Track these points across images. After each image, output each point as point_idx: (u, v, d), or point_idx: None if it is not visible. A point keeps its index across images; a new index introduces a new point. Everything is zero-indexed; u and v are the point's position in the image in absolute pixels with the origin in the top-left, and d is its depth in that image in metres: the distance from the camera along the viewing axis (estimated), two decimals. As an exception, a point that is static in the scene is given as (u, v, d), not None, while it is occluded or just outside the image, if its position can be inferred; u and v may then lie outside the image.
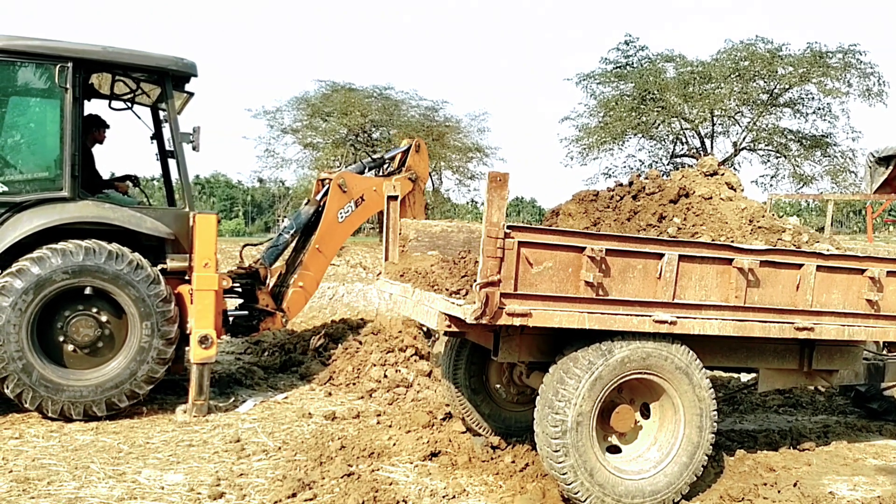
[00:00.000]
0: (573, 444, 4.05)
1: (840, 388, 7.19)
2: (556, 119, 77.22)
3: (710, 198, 4.95)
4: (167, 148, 7.03)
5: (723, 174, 5.21)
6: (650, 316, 4.12)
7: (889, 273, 4.81)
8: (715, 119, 27.64)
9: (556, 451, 4.06)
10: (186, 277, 6.20)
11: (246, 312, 7.10)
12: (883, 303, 4.84)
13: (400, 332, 7.93)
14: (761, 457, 5.36)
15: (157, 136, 7.19)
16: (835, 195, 20.80)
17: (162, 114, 6.93)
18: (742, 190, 5.19)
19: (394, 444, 5.28)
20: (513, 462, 4.90)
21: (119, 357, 5.87)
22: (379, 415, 6.21)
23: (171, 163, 6.98)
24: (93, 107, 7.02)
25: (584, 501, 4.12)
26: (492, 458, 5.05)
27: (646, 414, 4.51)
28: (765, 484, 4.77)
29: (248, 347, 8.62)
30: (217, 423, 5.82)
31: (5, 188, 5.84)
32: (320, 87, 29.34)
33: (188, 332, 6.05)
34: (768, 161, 29.16)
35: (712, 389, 4.42)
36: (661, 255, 4.12)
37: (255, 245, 8.42)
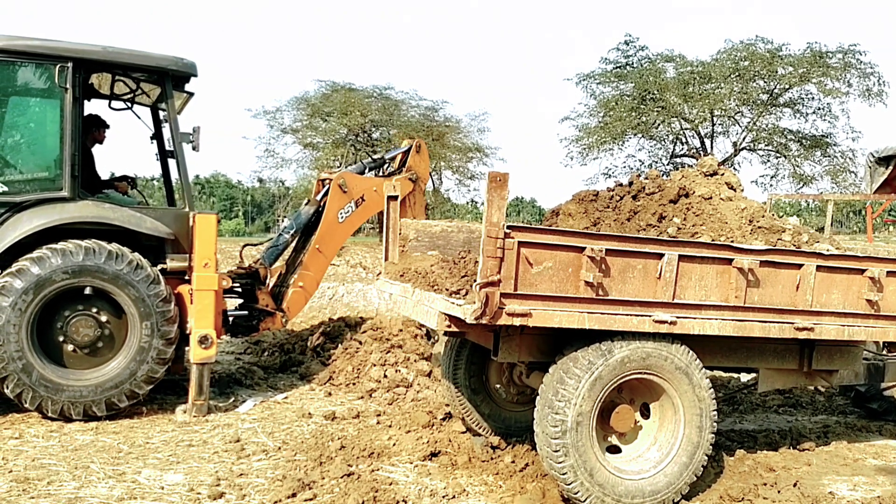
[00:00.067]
0: (573, 444, 4.05)
1: (840, 389, 7.19)
2: (556, 119, 77.24)
3: (710, 198, 4.95)
4: (167, 148, 7.03)
5: (723, 174, 5.21)
6: (650, 316, 4.12)
7: (889, 273, 4.81)
8: (715, 119, 27.65)
9: (556, 451, 4.06)
10: (186, 277, 6.20)
11: (246, 312, 7.10)
12: (883, 303, 4.84)
13: (400, 330, 7.94)
14: (761, 457, 5.36)
15: (157, 136, 7.19)
16: (835, 195, 20.80)
17: (162, 114, 6.92)
18: (742, 190, 5.19)
19: (394, 444, 5.28)
20: (513, 462, 4.90)
21: (119, 357, 5.87)
22: (379, 415, 6.21)
23: (171, 163, 6.98)
24: (93, 107, 7.03)
25: (584, 501, 4.12)
26: (492, 458, 5.05)
27: (646, 414, 4.51)
28: (765, 484, 4.77)
29: (247, 347, 8.62)
30: (217, 423, 5.82)
31: (5, 188, 5.84)
32: (320, 87, 29.40)
33: (188, 332, 6.05)
34: (768, 161, 29.20)
35: (712, 389, 4.42)
36: (660, 255, 4.12)
37: (255, 245, 8.42)
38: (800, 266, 4.52)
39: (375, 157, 8.68)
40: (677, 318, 4.18)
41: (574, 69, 36.79)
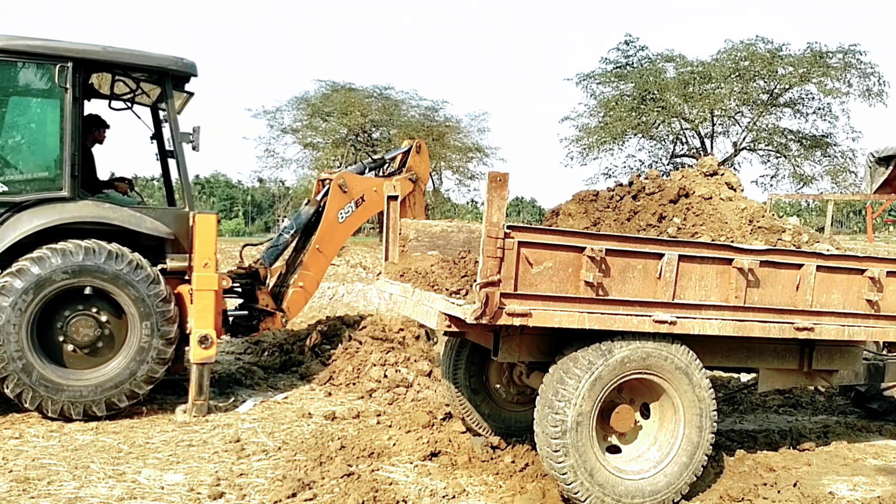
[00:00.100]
0: (573, 444, 4.05)
1: (840, 389, 7.19)
2: (556, 119, 77.29)
3: (710, 198, 4.95)
4: (167, 148, 7.03)
5: (723, 174, 5.21)
6: (650, 316, 4.12)
7: (889, 273, 4.81)
8: (715, 119, 27.66)
9: (556, 451, 4.06)
10: (186, 277, 6.20)
11: (246, 312, 7.10)
12: (883, 303, 4.84)
13: (401, 329, 7.94)
14: (761, 457, 5.36)
15: (157, 135, 7.19)
16: (835, 195, 20.80)
17: (162, 114, 6.92)
18: (742, 190, 5.19)
19: (394, 444, 5.28)
20: (513, 462, 4.90)
21: (119, 357, 5.87)
22: (379, 415, 6.21)
23: (171, 163, 6.98)
24: (93, 107, 7.03)
25: (584, 501, 4.12)
26: (492, 458, 5.04)
27: (646, 414, 4.51)
28: (765, 484, 4.77)
29: (247, 347, 8.62)
30: (217, 423, 5.82)
31: (5, 188, 5.84)
32: (320, 86, 29.41)
33: (188, 332, 6.05)
34: (768, 161, 29.21)
35: (712, 389, 4.42)
36: (660, 255, 4.12)
37: (255, 245, 8.43)
38: (800, 266, 4.52)
39: (375, 157, 8.69)
40: (677, 318, 4.18)
41: (574, 69, 36.82)
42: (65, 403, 5.65)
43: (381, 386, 6.96)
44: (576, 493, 4.11)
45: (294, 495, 4.27)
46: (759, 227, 4.82)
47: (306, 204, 7.78)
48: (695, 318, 4.25)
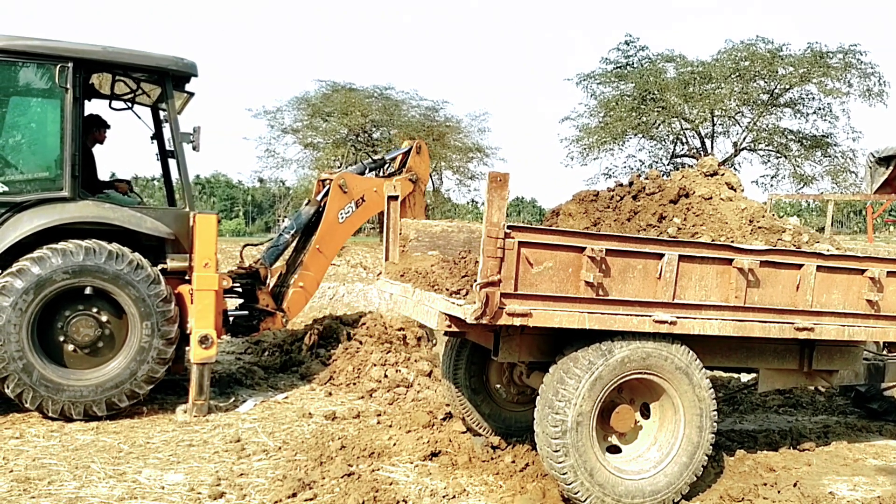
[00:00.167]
0: (573, 444, 4.05)
1: (840, 389, 7.19)
2: (556, 119, 77.37)
3: (711, 198, 4.95)
4: (167, 148, 7.04)
5: (723, 174, 5.21)
6: (650, 316, 4.13)
7: (889, 273, 4.80)
8: (715, 119, 27.66)
9: (557, 451, 4.06)
10: (187, 277, 6.20)
11: (246, 312, 7.11)
12: (883, 303, 4.84)
13: (402, 328, 7.94)
14: (761, 457, 5.36)
15: (158, 136, 7.19)
16: (835, 195, 20.80)
17: (162, 114, 6.93)
18: (742, 190, 5.19)
19: (394, 444, 5.28)
20: (513, 462, 4.90)
21: (119, 357, 5.87)
22: (379, 415, 6.22)
23: (172, 163, 6.99)
24: (93, 107, 7.03)
25: (584, 501, 4.13)
26: (492, 458, 5.05)
27: (646, 414, 4.51)
28: (765, 484, 4.77)
29: (248, 347, 8.62)
30: (217, 423, 5.82)
31: (6, 188, 5.84)
32: (321, 87, 29.44)
33: (188, 331, 6.06)
34: (768, 161, 29.21)
35: (712, 389, 4.42)
36: (661, 256, 4.12)
37: (256, 245, 8.43)
38: (800, 266, 4.52)
39: (376, 157, 8.70)
40: (677, 318, 4.18)
41: (574, 69, 36.80)
42: (65, 403, 5.65)
43: (382, 386, 6.96)
44: (576, 493, 4.11)
45: (294, 495, 4.27)
46: (760, 228, 4.82)
47: (307, 204, 7.78)
48: (695, 318, 4.25)
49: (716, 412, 4.42)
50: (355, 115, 27.93)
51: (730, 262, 4.30)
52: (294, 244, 7.69)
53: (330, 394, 6.96)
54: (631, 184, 5.15)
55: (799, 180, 27.84)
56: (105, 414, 5.76)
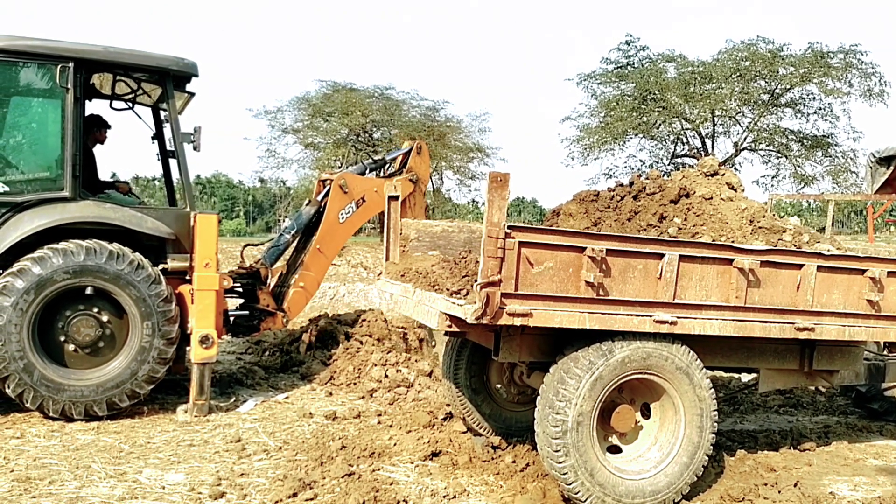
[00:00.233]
0: (574, 443, 4.05)
1: (841, 389, 7.19)
2: (556, 119, 77.42)
3: (711, 198, 4.95)
4: (168, 148, 7.05)
5: (723, 174, 5.21)
6: (651, 316, 4.13)
7: (890, 273, 4.80)
8: (716, 119, 27.65)
9: (557, 451, 4.06)
10: (187, 277, 6.20)
11: (247, 312, 7.11)
12: (883, 303, 4.84)
13: (402, 328, 7.93)
14: (762, 457, 5.36)
15: (159, 136, 7.20)
16: (836, 195, 20.81)
17: (163, 114, 6.93)
18: (743, 190, 5.19)
19: (394, 444, 5.28)
20: (513, 462, 4.90)
21: (120, 357, 5.87)
22: (380, 415, 6.22)
23: (173, 163, 6.99)
24: (94, 107, 7.04)
25: (585, 501, 4.13)
26: (492, 458, 5.05)
27: (646, 414, 4.51)
28: (765, 484, 4.77)
29: (248, 347, 8.63)
30: (218, 423, 5.83)
31: (7, 188, 5.85)
32: (321, 87, 29.42)
33: (189, 331, 6.06)
34: (769, 161, 29.19)
35: (713, 389, 4.42)
36: (661, 256, 4.12)
37: (256, 245, 8.44)
38: (800, 266, 4.52)
39: (376, 157, 8.71)
40: (678, 318, 4.18)
41: (574, 69, 36.75)
42: (66, 403, 5.65)
43: (382, 386, 6.96)
44: (576, 493, 4.11)
45: (295, 495, 4.28)
46: (760, 228, 4.82)
47: (307, 204, 7.78)
48: (695, 319, 4.25)
49: (716, 412, 4.42)
50: (356, 116, 27.92)
51: (730, 262, 4.30)
52: (295, 244, 7.70)
53: (330, 394, 6.96)
54: (631, 184, 5.16)
55: (799, 180, 27.84)
56: (106, 414, 5.76)
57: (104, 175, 7.23)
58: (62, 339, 5.80)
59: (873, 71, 25.70)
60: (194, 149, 6.49)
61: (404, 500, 4.30)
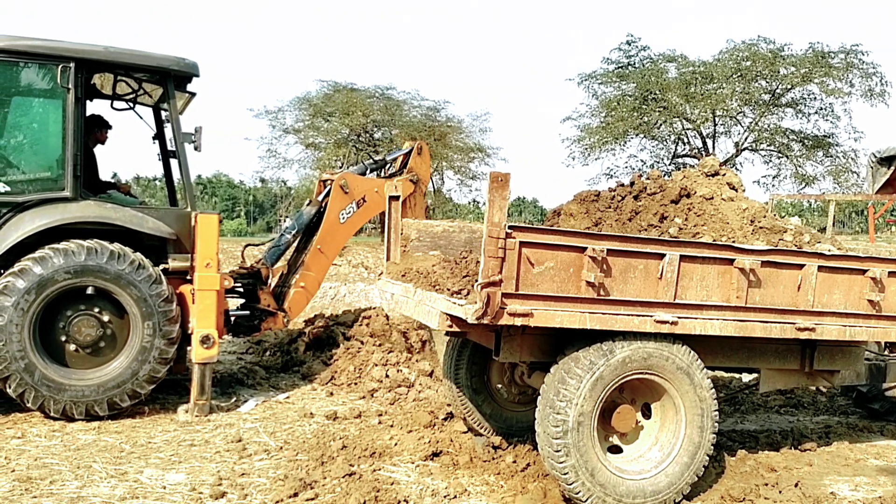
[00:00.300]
0: (574, 443, 4.05)
1: (842, 389, 7.19)
2: (557, 119, 77.41)
3: (712, 198, 4.95)
4: (169, 148, 7.06)
5: (724, 174, 5.21)
6: (651, 316, 4.13)
7: (891, 273, 4.80)
8: (717, 119, 27.63)
9: (558, 451, 4.06)
10: (188, 277, 6.21)
11: (247, 312, 7.12)
12: (884, 303, 4.83)
13: (402, 325, 7.93)
14: (763, 457, 5.36)
15: (159, 136, 7.21)
16: (837, 195, 20.81)
17: (164, 114, 6.94)
18: (743, 190, 5.19)
19: (395, 444, 5.28)
20: (514, 462, 4.90)
21: (121, 357, 5.87)
22: (380, 414, 6.22)
23: (173, 163, 7.00)
24: (95, 107, 7.04)
25: (586, 501, 4.13)
26: (493, 458, 5.05)
27: (647, 414, 4.51)
28: (766, 484, 4.77)
29: (249, 347, 8.63)
30: (219, 423, 5.83)
31: (7, 188, 5.85)
32: (322, 87, 29.42)
33: (190, 331, 6.06)
34: (770, 161, 29.17)
35: (713, 389, 4.42)
36: (662, 256, 4.12)
37: (257, 245, 8.45)
38: (801, 266, 4.52)
39: (377, 158, 8.73)
40: (679, 318, 4.18)
41: (575, 69, 36.70)
42: (67, 403, 5.66)
43: (383, 386, 6.96)
44: (577, 493, 4.11)
45: (296, 495, 4.28)
46: (761, 228, 4.82)
47: (308, 204, 7.79)
48: (696, 319, 4.25)
49: (717, 412, 4.42)
50: (357, 116, 27.93)
51: (731, 262, 4.30)
52: (295, 244, 7.71)
53: (331, 394, 6.96)
54: (632, 184, 5.16)
55: (800, 180, 27.82)
56: (107, 414, 5.77)
57: (105, 175, 7.23)
58: (63, 338, 5.80)
59: (874, 71, 25.70)
60: (195, 149, 6.49)
61: (405, 500, 4.30)
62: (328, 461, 4.85)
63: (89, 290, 5.72)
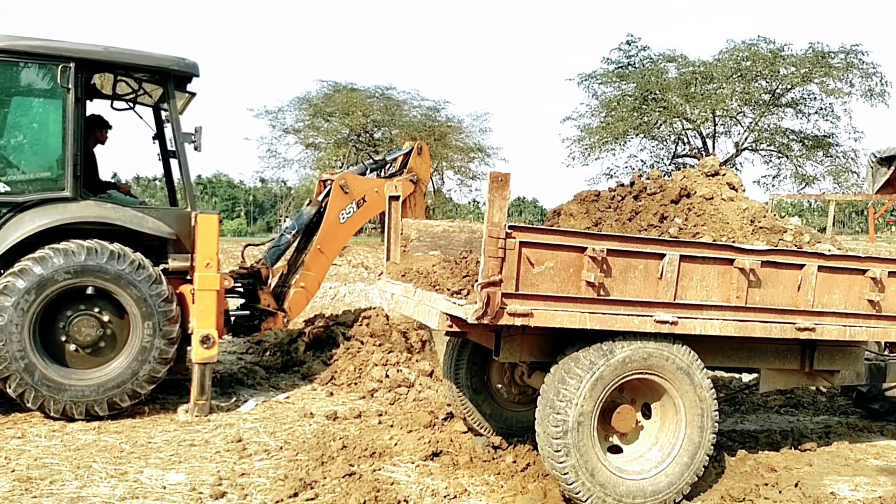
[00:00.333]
0: (574, 444, 4.05)
1: (842, 389, 7.19)
2: (557, 119, 77.42)
3: (712, 198, 4.95)
4: (169, 148, 7.06)
5: (724, 174, 5.21)
6: (651, 316, 4.13)
7: (891, 273, 4.80)
8: (717, 119, 27.63)
9: (558, 451, 4.06)
10: (188, 277, 6.21)
11: (247, 312, 7.12)
12: (884, 303, 4.83)
13: (405, 332, 7.93)
14: (763, 457, 5.36)
15: (159, 136, 7.21)
16: (837, 195, 20.81)
17: (164, 114, 6.94)
18: (743, 190, 5.19)
19: (395, 444, 5.28)
20: (514, 462, 4.90)
21: (121, 357, 5.87)
22: (380, 414, 6.22)
23: (173, 163, 7.00)
24: (95, 107, 7.04)
25: (586, 501, 4.13)
26: (493, 458, 5.05)
27: (647, 414, 4.51)
28: (766, 484, 4.77)
29: (249, 347, 8.63)
30: (219, 423, 5.83)
31: (8, 188, 5.86)
32: (322, 87, 29.43)
33: (190, 331, 6.06)
34: (770, 161, 29.18)
35: (713, 389, 4.42)
36: (662, 256, 4.12)
37: (257, 245, 8.45)
38: (801, 266, 4.52)
39: (377, 158, 8.73)
40: (679, 318, 4.18)
41: (575, 69, 36.70)
42: (67, 403, 5.66)
43: (383, 386, 6.96)
44: (577, 493, 4.11)
45: (296, 495, 4.28)
46: (761, 228, 4.82)
47: (308, 204, 7.79)
48: (696, 319, 4.25)
49: (717, 412, 4.42)
50: (357, 116, 27.94)
51: (731, 262, 4.30)
52: (295, 244, 7.71)
53: (331, 394, 6.96)
54: (632, 184, 5.16)
55: (800, 180, 27.83)
56: (107, 414, 5.77)
57: (105, 175, 7.23)
58: (63, 338, 5.80)
59: (874, 71, 25.70)
60: (195, 149, 6.49)
61: (405, 500, 4.30)
62: (328, 461, 4.85)
63: (89, 290, 5.72)
